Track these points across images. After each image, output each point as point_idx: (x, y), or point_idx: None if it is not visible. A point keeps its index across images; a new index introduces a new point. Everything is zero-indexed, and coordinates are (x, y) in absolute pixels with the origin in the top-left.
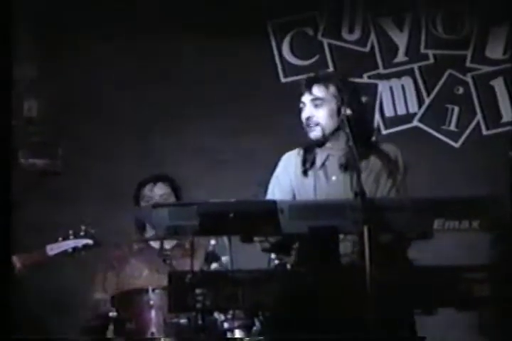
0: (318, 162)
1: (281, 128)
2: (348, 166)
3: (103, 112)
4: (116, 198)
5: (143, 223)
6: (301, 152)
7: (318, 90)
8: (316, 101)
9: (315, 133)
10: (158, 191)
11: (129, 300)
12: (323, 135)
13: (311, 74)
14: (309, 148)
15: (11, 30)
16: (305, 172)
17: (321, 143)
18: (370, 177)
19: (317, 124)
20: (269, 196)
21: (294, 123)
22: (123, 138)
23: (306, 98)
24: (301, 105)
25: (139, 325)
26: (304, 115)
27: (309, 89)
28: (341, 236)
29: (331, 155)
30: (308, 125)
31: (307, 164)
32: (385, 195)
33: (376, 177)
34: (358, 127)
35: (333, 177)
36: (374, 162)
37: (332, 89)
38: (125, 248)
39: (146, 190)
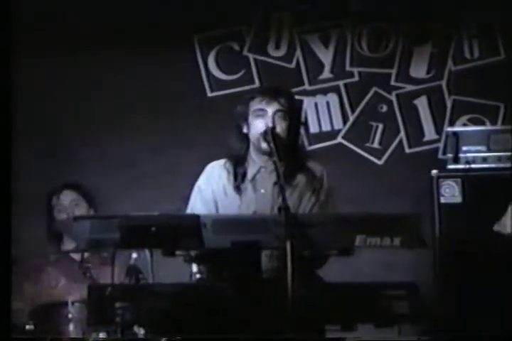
0: (249, 175)
1: (207, 142)
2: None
3: (21, 123)
4: (34, 209)
5: (60, 234)
6: (229, 164)
7: (284, 102)
8: (281, 113)
9: (270, 145)
10: (65, 198)
11: (47, 313)
12: (277, 148)
13: (275, 86)
14: (240, 161)
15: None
16: (238, 188)
17: (268, 154)
18: (294, 194)
19: (278, 136)
20: (191, 205)
21: (219, 137)
22: (42, 148)
23: (270, 108)
24: (259, 113)
25: (56, 338)
26: (264, 124)
27: (276, 99)
28: (264, 251)
29: (263, 167)
30: (265, 135)
31: (239, 179)
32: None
33: (300, 194)
34: (290, 144)
35: (262, 190)
36: (299, 179)
37: (291, 104)
38: (41, 258)
39: (54, 199)
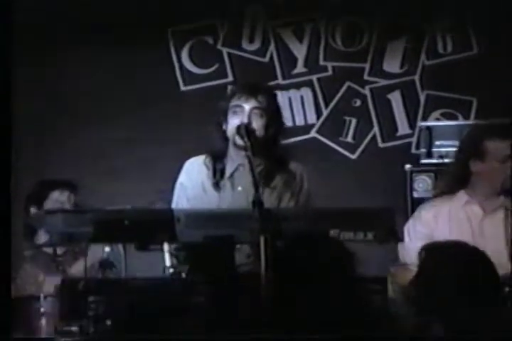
0: (228, 172)
1: (180, 135)
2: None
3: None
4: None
5: (34, 228)
6: (208, 161)
7: (262, 99)
8: (258, 110)
9: (244, 140)
10: (73, 199)
11: (19, 307)
12: (251, 143)
13: (254, 82)
14: (219, 158)
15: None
16: (216, 184)
17: (243, 149)
18: (273, 195)
19: (252, 132)
20: (175, 203)
21: (193, 131)
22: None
23: (247, 104)
24: (236, 109)
25: (28, 332)
26: (239, 121)
27: (255, 96)
28: (238, 245)
29: (241, 165)
30: (239, 130)
31: (217, 175)
32: None
33: (279, 195)
34: (268, 143)
35: (239, 188)
36: (278, 180)
37: (270, 102)
38: (16, 253)
39: (62, 196)
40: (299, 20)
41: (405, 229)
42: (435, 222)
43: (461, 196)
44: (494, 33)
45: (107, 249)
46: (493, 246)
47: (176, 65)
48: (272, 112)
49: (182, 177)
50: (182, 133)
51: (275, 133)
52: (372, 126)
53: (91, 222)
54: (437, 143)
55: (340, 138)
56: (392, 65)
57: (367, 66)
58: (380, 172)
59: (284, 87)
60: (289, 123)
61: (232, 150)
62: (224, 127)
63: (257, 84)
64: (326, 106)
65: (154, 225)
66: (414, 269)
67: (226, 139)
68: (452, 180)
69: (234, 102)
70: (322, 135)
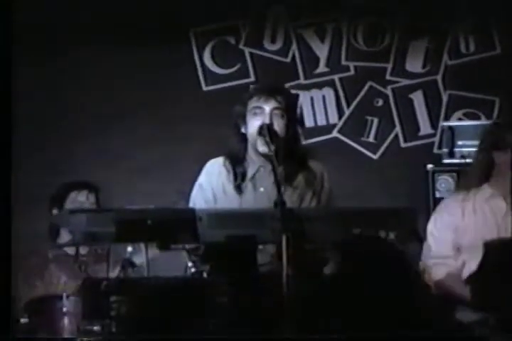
0: (249, 174)
1: (203, 135)
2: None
3: (22, 119)
4: (30, 204)
5: (57, 229)
6: (228, 163)
7: (281, 99)
8: (278, 111)
9: (267, 141)
10: (92, 199)
11: (42, 306)
12: (272, 142)
13: (274, 84)
14: (238, 160)
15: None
16: (238, 187)
17: (265, 157)
18: (295, 195)
19: (275, 132)
20: (192, 204)
21: (215, 131)
22: (42, 144)
23: (267, 105)
24: (256, 111)
25: (51, 332)
26: (260, 122)
27: (274, 97)
28: (260, 245)
29: (262, 167)
30: (261, 130)
31: (239, 178)
32: None
33: (300, 195)
34: (289, 142)
35: (261, 189)
36: (300, 180)
37: (289, 101)
38: (41, 255)
39: (80, 196)
40: (320, 21)
41: (430, 224)
42: (462, 213)
43: (485, 190)
44: None
45: (130, 248)
46: None
47: (198, 64)
48: (291, 112)
49: (201, 179)
50: (204, 133)
51: (296, 133)
52: (394, 126)
53: (114, 221)
54: (460, 143)
55: (362, 138)
56: (414, 64)
57: (389, 66)
58: (402, 172)
59: (306, 87)
60: (310, 123)
61: (252, 153)
62: (243, 130)
63: (275, 84)
64: (348, 106)
65: (176, 225)
66: (449, 263)
67: (245, 142)
68: (476, 172)
69: (253, 104)
70: (344, 135)
